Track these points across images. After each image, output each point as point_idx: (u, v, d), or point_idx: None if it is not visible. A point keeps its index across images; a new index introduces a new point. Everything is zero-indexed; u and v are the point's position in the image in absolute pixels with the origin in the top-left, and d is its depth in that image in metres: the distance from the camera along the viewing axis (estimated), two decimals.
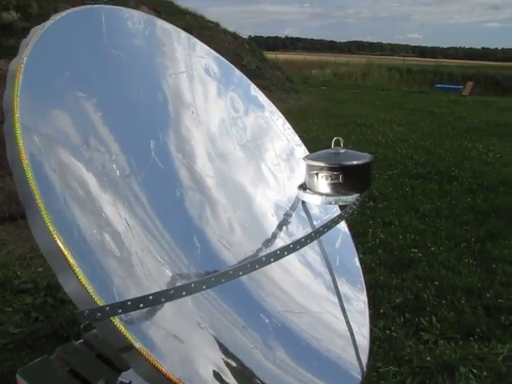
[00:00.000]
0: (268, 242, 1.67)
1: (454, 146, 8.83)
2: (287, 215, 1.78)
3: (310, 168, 1.53)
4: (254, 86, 2.39)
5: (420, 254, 4.21)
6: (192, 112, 1.86)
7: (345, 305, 1.70)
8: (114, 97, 1.49)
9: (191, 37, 1.97)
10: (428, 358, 2.86)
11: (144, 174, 1.41)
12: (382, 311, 3.28)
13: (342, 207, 1.58)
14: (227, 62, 2.13)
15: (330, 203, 1.52)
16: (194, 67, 1.97)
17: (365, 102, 15.62)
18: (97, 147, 1.30)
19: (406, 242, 4.51)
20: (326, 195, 1.51)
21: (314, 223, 1.76)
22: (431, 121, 11.83)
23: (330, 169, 1.48)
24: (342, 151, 1.54)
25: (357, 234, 4.74)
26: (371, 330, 1.87)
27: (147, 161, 1.47)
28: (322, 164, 1.49)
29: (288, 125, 2.46)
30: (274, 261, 1.20)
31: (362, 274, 2.05)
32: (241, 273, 1.13)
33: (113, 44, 1.55)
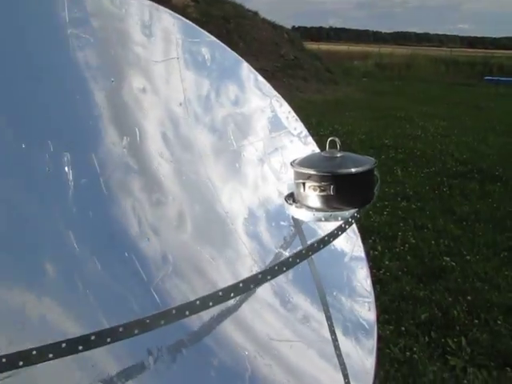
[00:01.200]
0: (224, 249, 1.37)
1: (500, 142, 8.20)
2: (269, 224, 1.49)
3: (296, 175, 1.23)
4: (250, 67, 2.08)
5: (453, 263, 3.80)
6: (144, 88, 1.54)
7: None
8: None
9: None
10: None
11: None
12: (403, 328, 2.93)
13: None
14: (217, 40, 1.83)
15: (320, 220, 1.21)
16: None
17: (406, 95, 14.94)
18: None
19: (438, 249, 4.11)
20: (316, 210, 1.21)
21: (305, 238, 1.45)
22: (476, 115, 11.12)
23: (320, 177, 1.17)
24: (339, 155, 1.23)
25: (384, 238, 4.38)
26: None
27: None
28: (310, 171, 1.19)
29: (294, 114, 2.16)
30: (248, 290, 0.91)
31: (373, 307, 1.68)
32: (211, 303, 0.82)
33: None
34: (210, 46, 1.73)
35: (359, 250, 1.71)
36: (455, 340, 2.86)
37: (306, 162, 1.24)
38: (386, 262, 3.84)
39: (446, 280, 3.57)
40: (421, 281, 3.59)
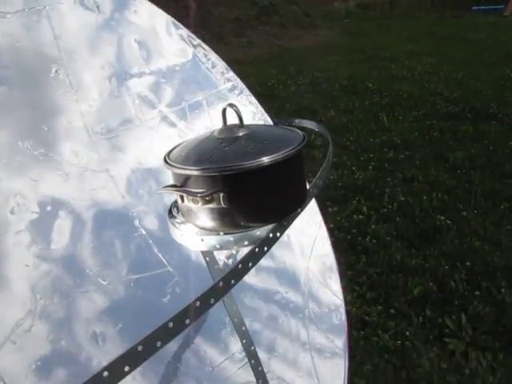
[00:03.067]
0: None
1: (493, 76, 7.59)
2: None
3: (173, 177, 0.73)
4: (174, 21, 1.54)
5: (448, 222, 3.35)
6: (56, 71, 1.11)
7: None
8: None
9: None
10: (452, 380, 2.10)
11: None
12: (393, 311, 2.50)
13: None
14: None
15: (215, 248, 0.71)
16: None
17: (391, 34, 14.09)
18: None
19: (431, 205, 3.65)
20: (206, 231, 0.71)
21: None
22: (466, 49, 10.40)
23: (202, 180, 0.67)
24: (241, 133, 0.72)
25: (370, 197, 3.91)
26: None
27: None
28: (186, 171, 0.68)
29: (232, 74, 1.62)
30: None
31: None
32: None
33: None
34: None
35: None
36: (454, 318, 2.44)
37: (184, 153, 0.73)
38: (373, 226, 3.39)
39: (440, 243, 3.13)
40: (412, 245, 3.15)
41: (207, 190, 0.64)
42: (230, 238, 0.68)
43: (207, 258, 0.95)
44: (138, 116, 1.24)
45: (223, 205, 0.65)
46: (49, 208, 0.95)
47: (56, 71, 1.13)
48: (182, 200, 0.69)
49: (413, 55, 10.07)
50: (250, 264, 0.68)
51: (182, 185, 0.68)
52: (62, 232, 0.96)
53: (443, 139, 5.04)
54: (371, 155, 4.84)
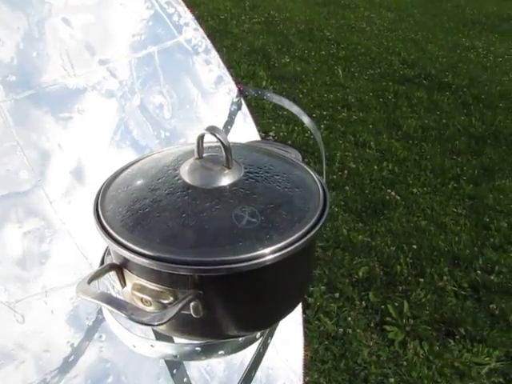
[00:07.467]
0: None
1: (449, 42, 7.51)
2: None
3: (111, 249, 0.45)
4: None
5: (398, 197, 3.26)
6: None
7: None
8: None
9: None
10: (389, 372, 2.06)
11: None
12: (337, 294, 2.39)
13: None
14: None
15: (172, 357, 0.46)
16: None
17: None
18: None
19: (381, 175, 3.55)
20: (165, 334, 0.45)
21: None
22: (425, 8, 10.21)
23: (164, 275, 0.40)
24: (229, 181, 0.45)
25: (319, 160, 3.72)
26: None
27: None
28: (136, 256, 0.40)
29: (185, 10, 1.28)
30: None
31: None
32: None
33: None
34: None
35: None
36: (396, 304, 2.39)
37: (133, 207, 0.44)
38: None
39: (388, 219, 3.04)
40: (360, 219, 3.04)
41: (170, 294, 0.38)
42: (196, 347, 0.44)
43: (174, 371, 0.69)
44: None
45: (193, 314, 0.40)
46: None
47: None
48: (132, 294, 0.42)
49: (373, 6, 9.75)
50: None
51: (121, 265, 0.41)
52: None
53: (397, 105, 4.91)
54: (324, 112, 4.63)
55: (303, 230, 0.45)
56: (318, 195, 0.50)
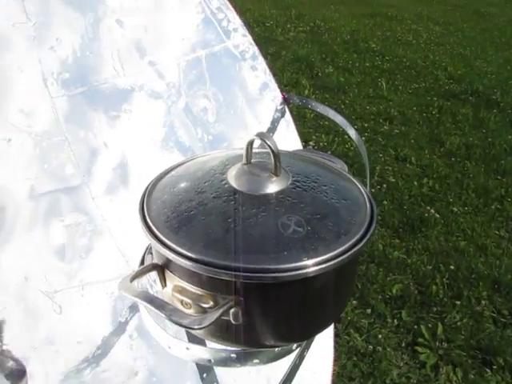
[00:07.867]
0: None
1: (500, 58, 7.28)
2: None
3: (153, 249, 0.45)
4: None
5: (437, 215, 3.18)
6: None
7: None
8: None
9: None
10: None
11: None
12: (369, 310, 2.34)
13: None
14: None
15: (206, 362, 0.45)
16: None
17: None
18: None
19: (421, 192, 3.46)
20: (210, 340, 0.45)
21: None
22: (476, 22, 9.97)
23: (205, 279, 0.40)
24: (276, 188, 0.44)
25: (359, 172, 3.67)
26: None
27: None
28: (179, 258, 0.40)
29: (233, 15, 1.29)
30: None
31: None
32: None
33: None
34: None
35: None
36: (430, 326, 2.31)
37: (179, 209, 0.44)
38: None
39: (426, 237, 2.96)
40: (397, 235, 2.98)
41: (211, 298, 0.38)
42: (231, 354, 0.43)
43: (204, 375, 0.69)
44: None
45: (232, 320, 0.40)
46: None
47: None
48: (174, 297, 0.42)
49: (420, 19, 9.60)
50: None
51: (164, 265, 0.41)
52: None
53: (441, 120, 4.80)
54: (365, 125, 4.58)
55: (349, 244, 0.44)
56: (364, 208, 0.49)
